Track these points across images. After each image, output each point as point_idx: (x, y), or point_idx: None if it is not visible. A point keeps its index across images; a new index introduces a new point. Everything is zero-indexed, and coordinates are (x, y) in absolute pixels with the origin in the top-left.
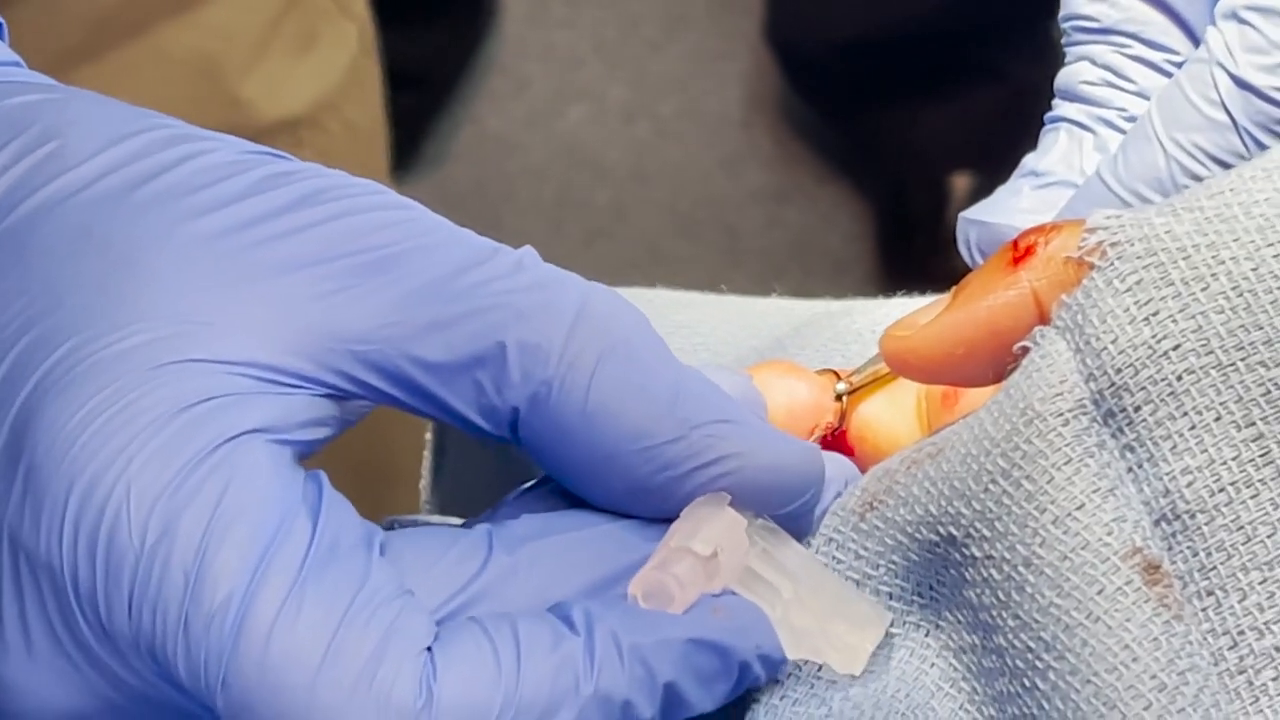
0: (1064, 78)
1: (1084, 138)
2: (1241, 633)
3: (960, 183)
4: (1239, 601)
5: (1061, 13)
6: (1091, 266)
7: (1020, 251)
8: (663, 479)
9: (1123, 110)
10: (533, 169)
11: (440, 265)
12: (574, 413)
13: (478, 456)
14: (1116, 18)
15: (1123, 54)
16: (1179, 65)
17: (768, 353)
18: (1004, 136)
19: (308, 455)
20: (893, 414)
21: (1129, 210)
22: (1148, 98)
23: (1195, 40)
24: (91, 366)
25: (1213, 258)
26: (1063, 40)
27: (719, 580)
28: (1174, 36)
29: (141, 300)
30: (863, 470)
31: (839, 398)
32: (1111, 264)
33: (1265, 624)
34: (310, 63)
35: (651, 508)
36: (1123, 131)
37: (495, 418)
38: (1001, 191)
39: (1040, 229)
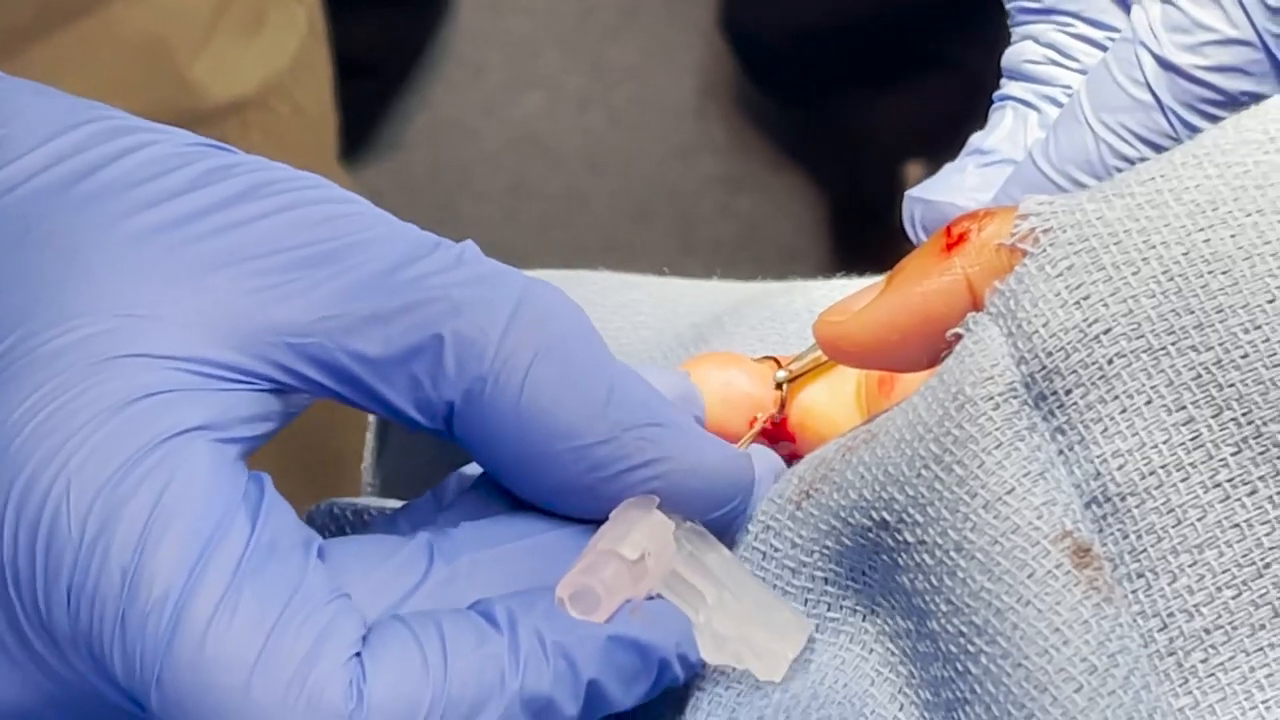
0: (1009, 57)
1: (1029, 115)
2: (1171, 615)
3: (914, 171)
4: (1169, 584)
5: None
6: (1024, 253)
7: (953, 238)
8: (592, 479)
9: (1067, 88)
10: (488, 156)
11: (381, 259)
12: (507, 409)
13: (419, 438)
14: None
15: (1065, 32)
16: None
17: (707, 330)
18: (957, 126)
19: (251, 450)
20: (832, 401)
21: (1061, 196)
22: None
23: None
24: (32, 361)
25: (1144, 243)
26: (1008, 20)
27: (645, 584)
28: (1114, 14)
29: (83, 295)
30: (803, 455)
31: (779, 386)
32: (1044, 250)
33: (1195, 606)
34: (259, 45)
35: (581, 506)
36: None
37: (431, 412)
38: (947, 169)
39: (973, 215)
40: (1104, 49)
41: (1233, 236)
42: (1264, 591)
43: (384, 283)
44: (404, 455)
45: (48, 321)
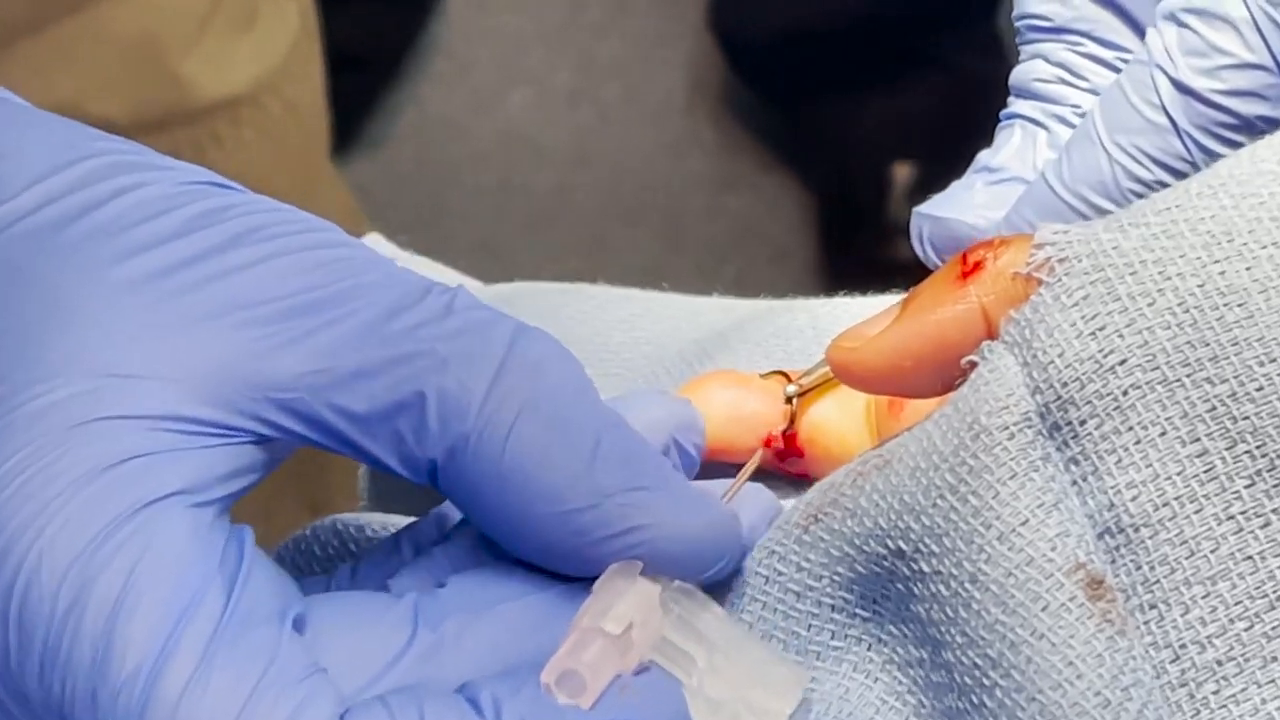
0: (1018, 75)
1: (1038, 134)
2: (1184, 646)
3: (903, 172)
4: (1182, 615)
5: (1015, 11)
6: (1039, 282)
7: (969, 266)
8: (575, 544)
9: (1076, 107)
10: (476, 152)
11: (369, 309)
12: (489, 470)
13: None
14: (1069, 16)
15: (1075, 52)
16: (1129, 62)
17: (710, 346)
18: (947, 126)
19: (234, 501)
20: (842, 417)
21: (1076, 225)
22: (1100, 94)
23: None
24: (10, 424)
25: (1159, 274)
26: (1017, 39)
27: (634, 655)
28: (1125, 35)
29: (65, 350)
30: (812, 471)
31: (789, 401)
32: (1059, 279)
33: (1207, 638)
34: (251, 42)
35: (566, 566)
36: (1076, 127)
37: (414, 466)
38: (956, 186)
39: (988, 244)
40: (1114, 69)
41: (1248, 269)
42: (1276, 624)
43: (371, 335)
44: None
45: (28, 379)
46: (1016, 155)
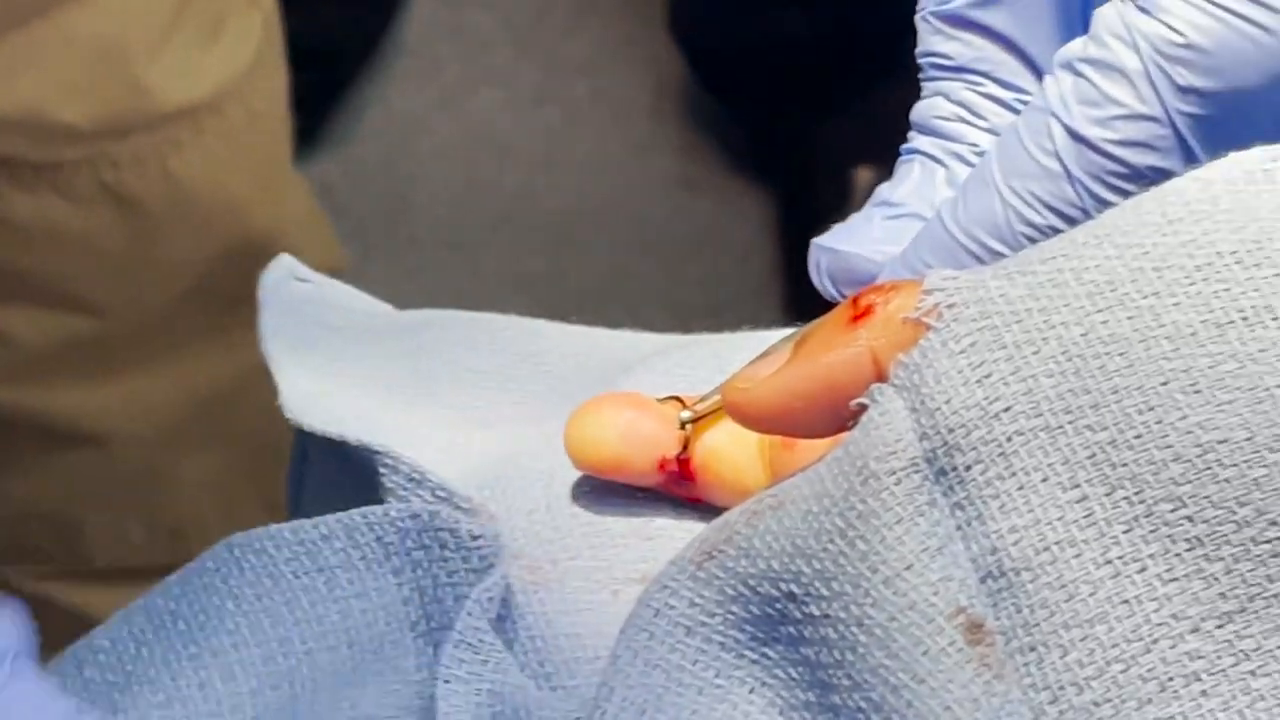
0: (919, 111)
1: (937, 170)
2: (1062, 688)
3: (864, 176)
4: (1060, 657)
5: (919, 47)
6: (928, 327)
7: (859, 310)
8: None
9: (974, 146)
10: (441, 150)
11: None
12: None
13: (336, 469)
14: (970, 56)
15: (976, 91)
16: (1028, 104)
17: (616, 380)
18: (907, 133)
19: None
20: (735, 444)
21: (966, 272)
22: (999, 134)
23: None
24: None
25: (1044, 322)
26: (920, 75)
27: None
28: (1025, 78)
29: None
30: (705, 497)
31: (683, 426)
32: (947, 325)
33: (1084, 679)
34: (216, 51)
35: None
36: (974, 166)
37: None
38: (855, 219)
39: (879, 288)
40: (1013, 110)
41: (1130, 318)
42: (1151, 666)
43: None
44: (327, 491)
45: None
46: (915, 191)
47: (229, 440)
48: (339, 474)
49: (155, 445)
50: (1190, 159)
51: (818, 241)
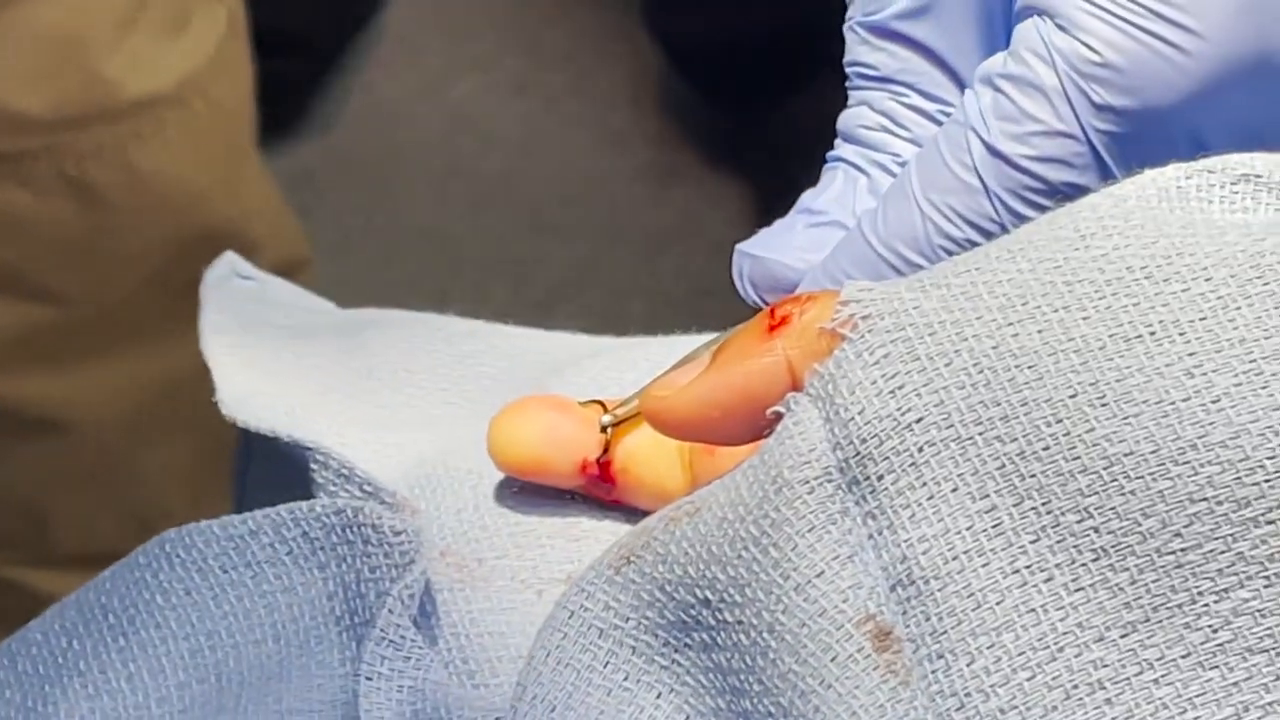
0: (844, 120)
1: (859, 179)
2: (969, 694)
3: None
4: (967, 665)
5: (845, 57)
6: (843, 338)
7: (776, 320)
8: None
9: (896, 156)
10: (422, 137)
11: None
12: None
13: (278, 466)
14: (895, 67)
15: (899, 102)
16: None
17: (548, 382)
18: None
19: None
20: (655, 448)
21: (882, 284)
22: (921, 144)
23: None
24: None
25: (957, 334)
26: (846, 84)
27: None
28: (949, 90)
29: None
30: (625, 499)
31: (603, 429)
32: (862, 336)
33: (990, 686)
34: (178, 44)
35: None
36: (896, 176)
37: None
38: (779, 225)
39: (795, 299)
40: (936, 121)
41: (1039, 332)
42: (1056, 674)
43: None
44: (270, 486)
45: None
46: (838, 199)
47: (193, 428)
48: (280, 471)
49: (119, 433)
50: (1106, 176)
51: (741, 247)
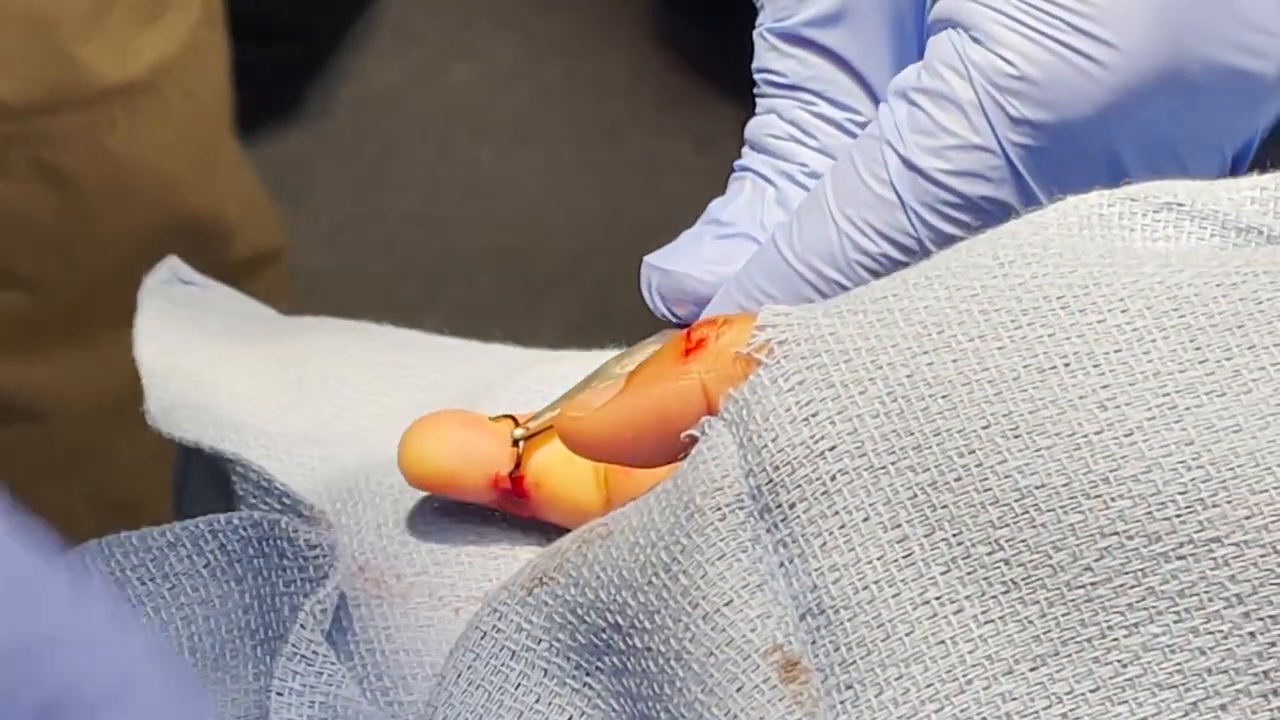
0: (752, 128)
1: (767, 189)
2: None
3: None
4: (875, 696)
5: (755, 63)
6: (759, 363)
7: (692, 343)
8: None
9: (804, 166)
10: (416, 125)
11: None
12: None
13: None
14: (804, 75)
15: (808, 110)
16: (862, 125)
17: (477, 396)
18: None
19: None
20: (568, 462)
21: (798, 308)
22: (830, 155)
23: (878, 103)
24: None
25: (871, 362)
26: (754, 90)
27: None
28: (858, 98)
29: None
30: (538, 513)
31: (515, 443)
32: (777, 362)
33: (899, 718)
34: (153, 30)
35: None
36: (804, 187)
37: None
38: (686, 237)
39: (712, 322)
40: (845, 130)
41: (954, 361)
42: (965, 707)
43: None
44: (205, 503)
45: None
46: (746, 210)
47: (74, 494)
48: (216, 480)
49: (93, 420)
50: (1022, 188)
51: (649, 259)
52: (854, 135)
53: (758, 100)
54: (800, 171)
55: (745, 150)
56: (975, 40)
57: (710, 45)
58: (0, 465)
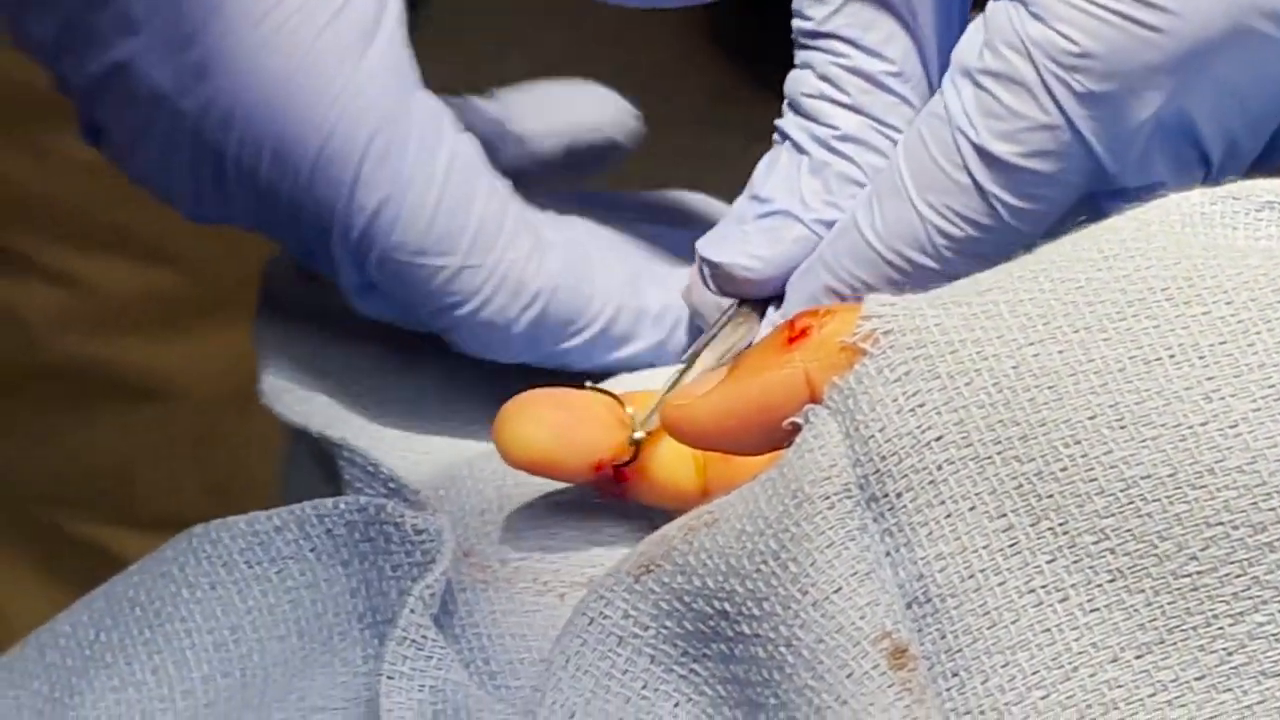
0: (789, 84)
1: (801, 161)
2: (983, 712)
3: None
4: (981, 683)
5: (793, 5)
6: (864, 353)
7: (795, 332)
8: None
9: (835, 129)
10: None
11: None
12: None
13: (325, 466)
14: (839, 22)
15: (840, 65)
16: (896, 76)
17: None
18: None
19: None
20: (669, 448)
21: (903, 299)
22: (863, 112)
23: (918, 47)
24: None
25: (978, 353)
26: (793, 36)
27: None
28: (897, 41)
29: None
30: (632, 496)
31: (634, 443)
32: (884, 353)
33: (1005, 704)
34: None
35: None
36: (835, 153)
37: None
38: (732, 216)
39: (814, 312)
40: (879, 85)
41: (1060, 352)
42: (1070, 694)
43: None
44: (310, 487)
45: None
46: (783, 185)
47: (184, 475)
48: (322, 465)
49: (216, 404)
50: (1096, 159)
51: (701, 250)
52: (889, 90)
53: (796, 52)
54: (832, 136)
55: (784, 107)
56: (1034, 16)
57: (762, 37)
58: (117, 441)
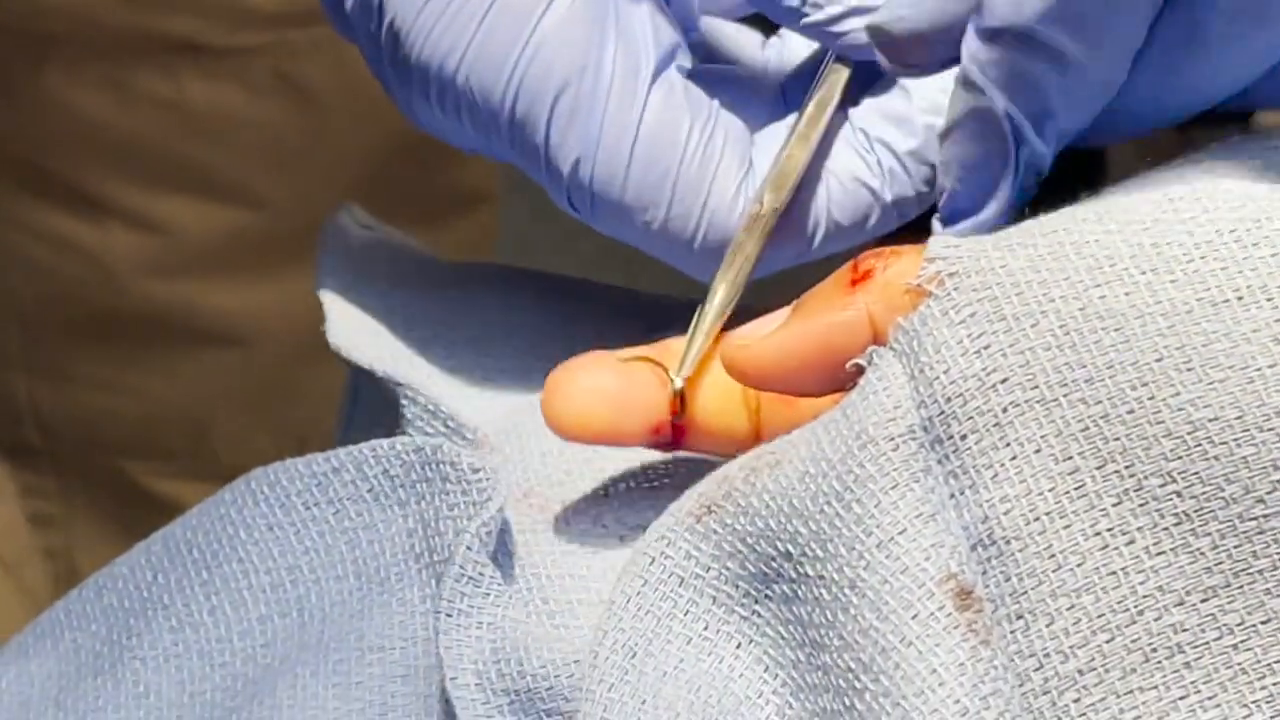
0: None
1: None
2: (1048, 655)
3: None
4: (1046, 626)
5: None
6: (928, 294)
7: (858, 274)
8: None
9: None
10: None
11: None
12: None
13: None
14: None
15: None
16: None
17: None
18: None
19: None
20: (719, 395)
21: (967, 240)
22: None
23: None
24: None
25: (1044, 295)
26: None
27: None
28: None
29: None
30: (687, 446)
31: (677, 394)
32: (948, 294)
33: (1070, 648)
34: None
35: None
36: None
37: None
38: None
39: (879, 253)
40: None
41: (1127, 294)
42: (1136, 637)
43: None
44: (370, 429)
45: None
46: None
47: (249, 417)
48: (380, 414)
49: (293, 352)
50: None
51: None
52: None
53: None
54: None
55: None
56: None
57: None
58: (191, 390)
